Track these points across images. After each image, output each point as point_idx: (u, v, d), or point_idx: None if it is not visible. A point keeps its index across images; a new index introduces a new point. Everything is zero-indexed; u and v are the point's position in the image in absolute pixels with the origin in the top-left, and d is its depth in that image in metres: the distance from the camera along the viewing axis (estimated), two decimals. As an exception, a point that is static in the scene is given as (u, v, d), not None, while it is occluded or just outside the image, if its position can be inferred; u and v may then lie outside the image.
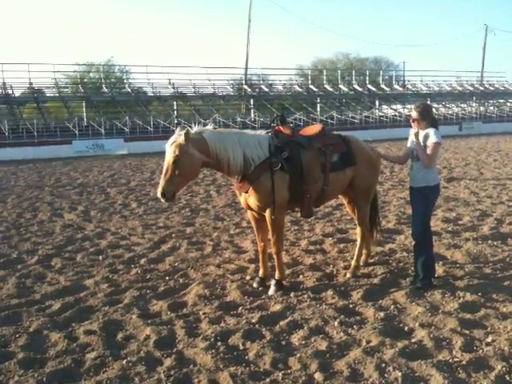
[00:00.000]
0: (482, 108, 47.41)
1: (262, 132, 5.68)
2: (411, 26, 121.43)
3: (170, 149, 5.04)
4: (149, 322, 4.79)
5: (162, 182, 5.03)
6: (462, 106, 47.69)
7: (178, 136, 5.05)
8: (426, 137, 5.29)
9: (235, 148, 5.23)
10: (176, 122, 32.72)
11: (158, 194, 5.06)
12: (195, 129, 5.27)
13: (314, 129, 5.88)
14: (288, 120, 33.90)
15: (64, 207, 11.07)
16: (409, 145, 5.57)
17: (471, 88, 52.83)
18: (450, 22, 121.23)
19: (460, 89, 52.07)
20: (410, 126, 5.52)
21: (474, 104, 49.02)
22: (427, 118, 5.35)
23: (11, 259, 7.04)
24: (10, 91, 36.55)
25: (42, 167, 20.74)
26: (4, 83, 36.08)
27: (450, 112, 44.41)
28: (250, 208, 5.62)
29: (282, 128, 5.57)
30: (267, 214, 5.39)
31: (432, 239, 5.72)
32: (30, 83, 37.45)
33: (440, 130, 5.40)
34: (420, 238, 5.47)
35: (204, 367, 3.92)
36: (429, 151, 5.26)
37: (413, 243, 7.02)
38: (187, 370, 3.87)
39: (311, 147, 5.52)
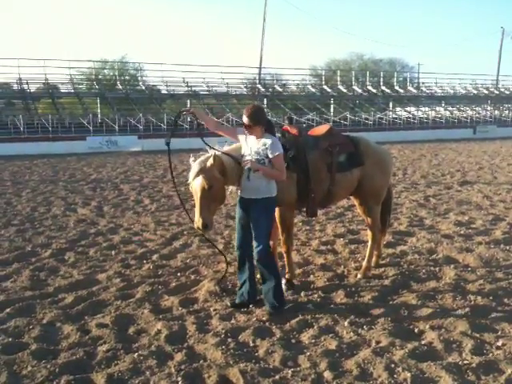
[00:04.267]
0: (496, 112, 47.02)
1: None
2: (427, 28, 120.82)
3: (199, 177, 4.69)
4: (160, 316, 4.84)
5: (199, 213, 4.66)
6: (477, 109, 47.32)
7: (203, 162, 4.74)
8: (265, 146, 4.76)
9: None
10: (192, 123, 32.84)
11: (199, 226, 4.68)
12: (210, 152, 4.92)
13: (322, 129, 5.88)
14: (301, 120, 33.91)
15: (77, 202, 11.18)
16: (244, 150, 4.95)
17: (486, 91, 52.45)
18: (466, 25, 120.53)
19: (475, 92, 51.71)
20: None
21: (488, 107, 48.65)
22: (260, 124, 4.76)
23: (25, 252, 7.14)
24: (25, 86, 36.93)
25: (57, 162, 20.93)
26: (20, 78, 36.46)
27: (465, 115, 44.06)
28: None
29: (289, 127, 5.60)
30: (276, 213, 5.41)
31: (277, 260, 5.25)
32: (46, 79, 37.78)
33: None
34: (266, 254, 4.89)
35: (214, 363, 3.96)
36: (276, 166, 4.77)
37: (425, 245, 7.08)
38: (197, 365, 3.91)
39: (318, 147, 5.52)
